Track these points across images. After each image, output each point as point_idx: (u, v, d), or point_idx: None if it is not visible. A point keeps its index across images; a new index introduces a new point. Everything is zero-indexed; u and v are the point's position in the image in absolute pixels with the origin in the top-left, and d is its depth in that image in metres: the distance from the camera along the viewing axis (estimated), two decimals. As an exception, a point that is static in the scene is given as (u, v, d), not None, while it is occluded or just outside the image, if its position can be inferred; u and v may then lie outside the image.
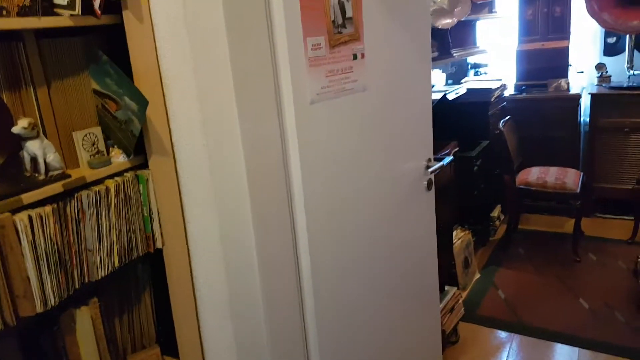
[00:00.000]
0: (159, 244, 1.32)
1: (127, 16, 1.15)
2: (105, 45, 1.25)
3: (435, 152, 1.89)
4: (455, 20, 2.73)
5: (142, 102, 1.16)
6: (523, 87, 4.21)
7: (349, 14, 1.35)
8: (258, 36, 1.11)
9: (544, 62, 4.14)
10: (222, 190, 1.15)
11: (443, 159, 2.69)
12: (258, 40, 1.11)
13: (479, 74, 4.43)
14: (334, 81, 1.33)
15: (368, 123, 1.50)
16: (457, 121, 3.14)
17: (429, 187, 1.83)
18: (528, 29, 4.18)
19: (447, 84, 4.25)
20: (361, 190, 1.49)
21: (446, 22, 2.73)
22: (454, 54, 2.95)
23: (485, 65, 4.53)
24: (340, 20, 1.32)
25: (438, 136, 1.91)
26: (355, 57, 1.40)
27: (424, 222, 1.87)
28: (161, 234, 1.31)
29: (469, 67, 4.43)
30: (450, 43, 2.90)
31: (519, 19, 4.19)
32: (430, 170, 1.79)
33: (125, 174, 1.25)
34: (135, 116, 1.19)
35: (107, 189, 1.19)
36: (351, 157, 1.43)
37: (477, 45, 3.46)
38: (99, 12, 1.11)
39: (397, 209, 1.68)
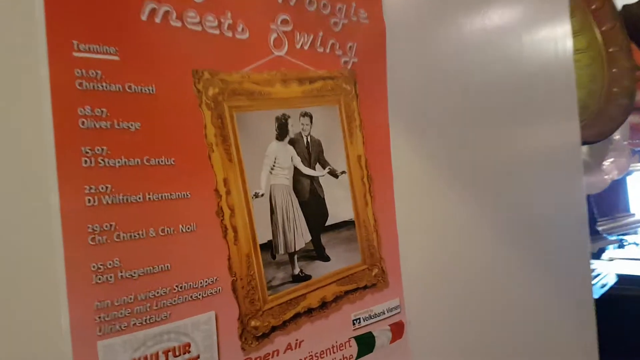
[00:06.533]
0: None
1: None
2: None
3: None
4: (609, 179, 1.66)
5: None
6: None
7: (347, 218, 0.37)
8: None
9: None
10: None
11: None
12: None
13: (624, 245, 3.15)
14: None
15: None
16: (604, 329, 1.89)
17: None
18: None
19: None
20: None
21: (591, 182, 1.67)
22: (602, 231, 1.82)
23: (635, 232, 3.24)
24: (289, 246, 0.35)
25: None
26: None
27: None
28: None
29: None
30: (595, 214, 1.80)
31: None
32: None
33: None
34: None
35: None
36: None
37: (632, 212, 2.31)
38: None
39: None
